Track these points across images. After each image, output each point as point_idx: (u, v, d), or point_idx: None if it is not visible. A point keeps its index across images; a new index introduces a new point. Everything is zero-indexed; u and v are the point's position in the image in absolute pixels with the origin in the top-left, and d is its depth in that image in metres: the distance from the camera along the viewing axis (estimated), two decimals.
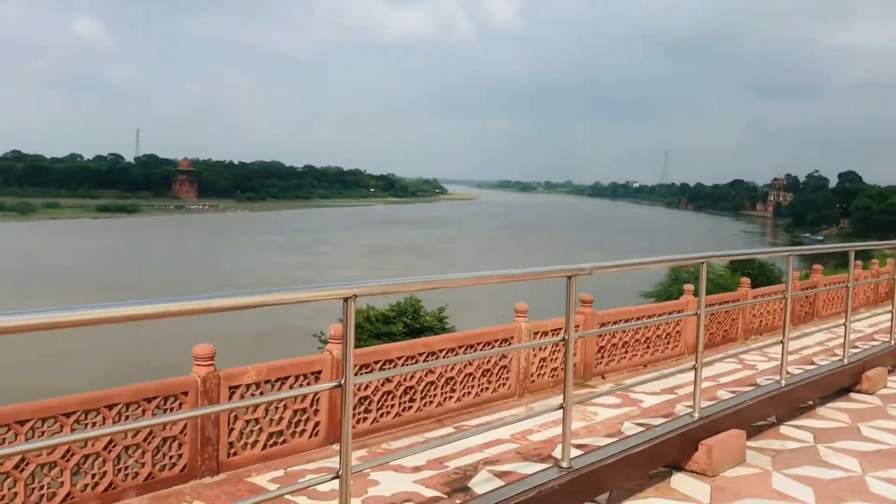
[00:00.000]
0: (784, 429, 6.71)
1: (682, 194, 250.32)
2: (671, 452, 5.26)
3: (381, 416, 6.91)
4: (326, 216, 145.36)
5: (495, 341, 8.05)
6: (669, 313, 10.20)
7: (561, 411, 4.24)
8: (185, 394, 5.51)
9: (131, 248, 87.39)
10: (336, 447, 6.02)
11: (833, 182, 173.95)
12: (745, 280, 13.28)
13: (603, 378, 9.14)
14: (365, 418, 6.77)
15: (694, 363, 5.56)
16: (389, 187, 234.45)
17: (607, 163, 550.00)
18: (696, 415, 5.50)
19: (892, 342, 8.94)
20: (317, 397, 6.31)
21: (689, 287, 12.04)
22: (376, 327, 24.42)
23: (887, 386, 8.25)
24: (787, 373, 6.83)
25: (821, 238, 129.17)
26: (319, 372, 6.36)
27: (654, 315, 10.15)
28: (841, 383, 7.75)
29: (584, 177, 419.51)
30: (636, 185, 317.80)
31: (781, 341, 6.69)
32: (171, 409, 5.44)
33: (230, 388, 5.80)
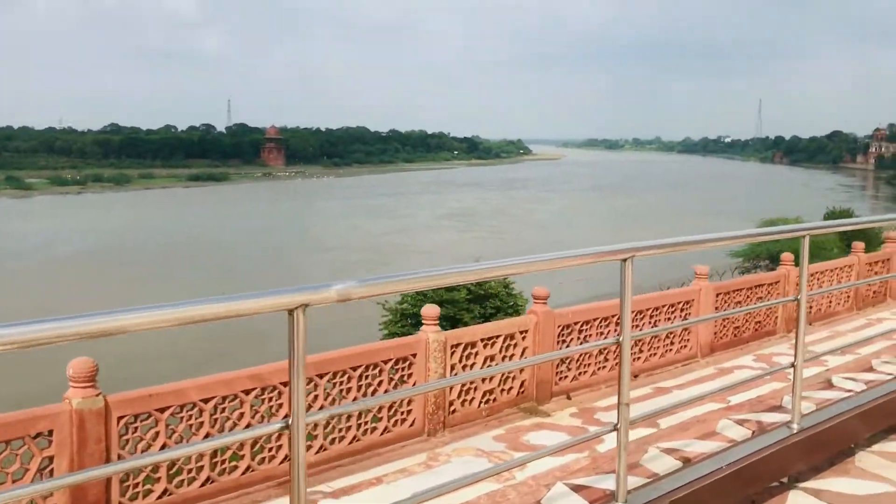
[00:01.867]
0: None
1: (776, 148, 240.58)
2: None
3: (581, 374, 7.66)
4: (410, 180, 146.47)
5: (678, 303, 8.36)
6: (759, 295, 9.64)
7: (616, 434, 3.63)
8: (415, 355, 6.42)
9: (220, 216, 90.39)
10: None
11: None
12: (859, 245, 12.37)
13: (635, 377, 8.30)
14: (566, 376, 7.47)
15: None
16: (473, 149, 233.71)
17: (699, 117, 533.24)
18: None
19: None
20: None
21: (787, 256, 11.26)
22: (439, 294, 23.91)
23: None
24: None
25: None
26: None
27: (745, 291, 9.84)
28: None
29: (674, 133, 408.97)
30: (728, 139, 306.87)
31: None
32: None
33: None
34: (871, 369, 7.53)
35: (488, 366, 6.89)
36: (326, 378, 5.81)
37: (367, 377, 6.06)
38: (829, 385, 6.48)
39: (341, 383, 5.91)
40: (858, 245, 12.47)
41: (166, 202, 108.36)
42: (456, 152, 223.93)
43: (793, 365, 4.37)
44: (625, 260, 3.27)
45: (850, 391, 5.96)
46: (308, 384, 5.56)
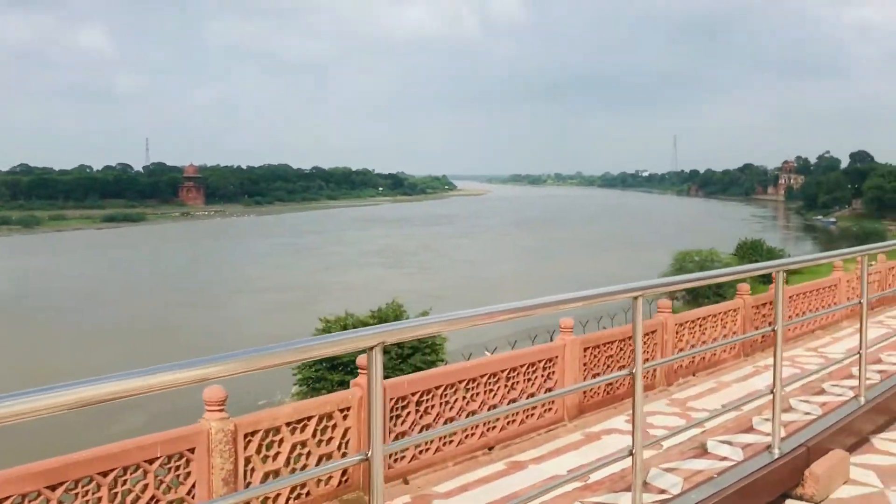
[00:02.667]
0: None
1: (692, 181, 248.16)
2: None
3: (421, 452, 6.69)
4: (334, 217, 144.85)
5: (539, 361, 7.91)
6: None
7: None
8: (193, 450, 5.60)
9: (137, 258, 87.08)
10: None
11: (845, 162, 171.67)
12: (744, 286, 11.99)
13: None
14: (402, 456, 6.49)
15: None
16: (398, 186, 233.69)
17: (617, 152, 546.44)
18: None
19: None
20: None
21: (743, 287, 11.56)
22: (351, 355, 23.32)
23: None
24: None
25: (834, 220, 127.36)
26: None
27: (616, 343, 9.25)
28: None
29: (594, 167, 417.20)
30: (646, 173, 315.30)
31: (859, 352, 5.90)
32: None
33: None
34: (751, 429, 6.84)
35: (299, 454, 5.84)
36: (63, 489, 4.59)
37: (122, 482, 4.80)
38: (704, 452, 5.78)
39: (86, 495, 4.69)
40: (744, 287, 11.92)
41: (77, 245, 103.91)
42: (381, 188, 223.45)
43: (772, 391, 4.73)
44: (636, 298, 3.55)
45: (725, 457, 5.47)
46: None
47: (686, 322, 10.51)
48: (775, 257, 58.45)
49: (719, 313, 11.34)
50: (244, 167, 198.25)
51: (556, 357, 8.33)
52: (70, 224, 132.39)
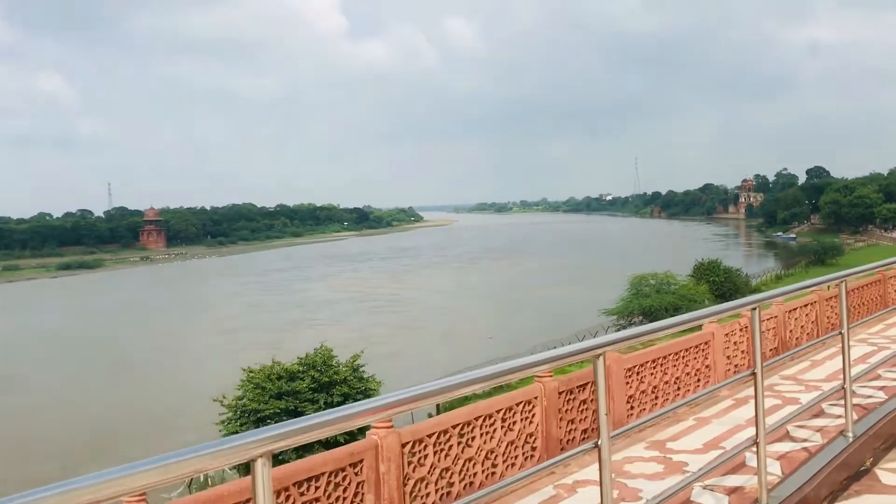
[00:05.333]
0: None
1: (654, 203, 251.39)
2: None
3: None
4: (298, 254, 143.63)
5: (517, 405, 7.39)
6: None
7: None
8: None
9: (96, 307, 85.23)
10: None
11: (802, 179, 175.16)
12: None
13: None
14: None
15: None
16: (364, 219, 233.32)
17: (581, 177, 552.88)
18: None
19: None
20: None
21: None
22: (278, 386, 22.23)
23: None
24: None
25: (793, 236, 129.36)
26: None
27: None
28: None
29: (559, 193, 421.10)
30: (609, 197, 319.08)
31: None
32: None
33: None
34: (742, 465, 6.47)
35: None
36: None
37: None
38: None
39: None
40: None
41: (28, 295, 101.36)
42: (346, 223, 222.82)
43: (755, 443, 4.40)
44: (598, 357, 3.23)
45: None
46: None
47: (657, 359, 10.14)
48: (732, 277, 58.72)
49: (691, 347, 10.85)
50: (208, 208, 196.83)
51: (536, 397, 7.90)
52: (24, 274, 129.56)
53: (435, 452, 6.63)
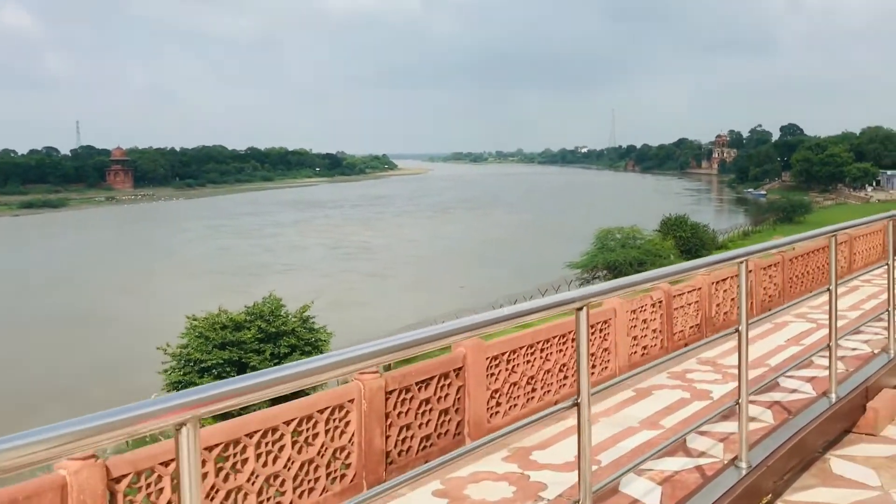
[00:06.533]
0: None
1: (628, 156, 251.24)
2: None
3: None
4: (266, 199, 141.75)
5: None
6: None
7: None
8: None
9: (63, 247, 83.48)
10: None
11: (776, 136, 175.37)
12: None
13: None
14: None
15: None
16: (336, 166, 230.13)
17: (557, 129, 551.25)
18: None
19: None
20: None
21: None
22: (222, 335, 21.32)
23: None
24: None
25: (764, 193, 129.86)
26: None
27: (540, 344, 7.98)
28: None
29: (535, 144, 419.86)
30: (584, 149, 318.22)
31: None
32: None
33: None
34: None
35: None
36: None
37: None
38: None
39: None
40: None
41: None
42: (318, 169, 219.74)
43: (737, 402, 4.29)
44: (579, 308, 3.09)
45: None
46: None
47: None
48: (699, 233, 58.46)
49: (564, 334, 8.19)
50: (177, 149, 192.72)
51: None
52: None
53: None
